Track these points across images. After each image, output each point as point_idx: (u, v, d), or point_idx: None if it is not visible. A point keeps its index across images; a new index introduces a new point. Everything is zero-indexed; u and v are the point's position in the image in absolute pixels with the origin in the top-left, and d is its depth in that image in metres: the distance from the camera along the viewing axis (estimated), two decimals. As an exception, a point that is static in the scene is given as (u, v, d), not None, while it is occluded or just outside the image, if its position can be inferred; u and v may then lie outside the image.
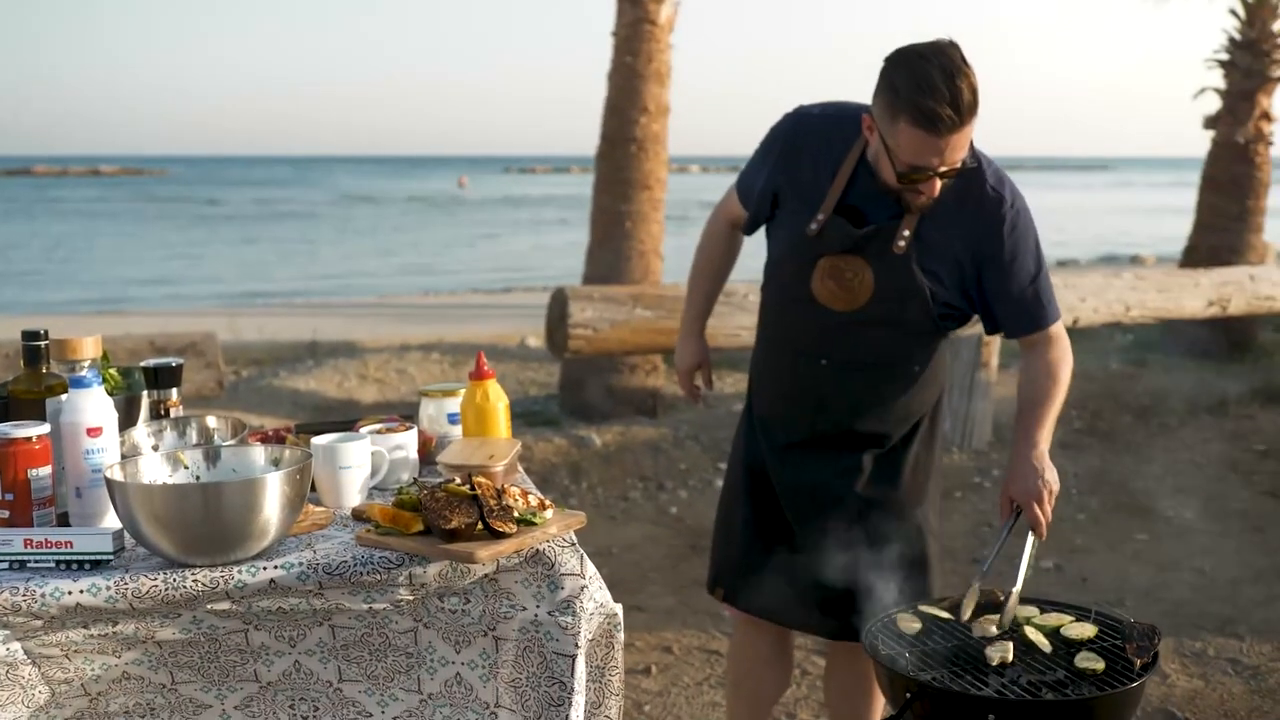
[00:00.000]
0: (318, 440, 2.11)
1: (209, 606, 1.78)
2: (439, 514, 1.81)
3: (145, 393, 2.27)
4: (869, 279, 2.47)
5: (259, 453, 1.95)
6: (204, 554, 1.76)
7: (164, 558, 1.79)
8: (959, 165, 2.34)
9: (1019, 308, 2.51)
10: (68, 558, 1.78)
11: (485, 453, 2.14)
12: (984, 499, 5.83)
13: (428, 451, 2.33)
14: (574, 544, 1.90)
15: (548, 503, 1.93)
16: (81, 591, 1.72)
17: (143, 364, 2.31)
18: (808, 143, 2.54)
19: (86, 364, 2.15)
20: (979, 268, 2.49)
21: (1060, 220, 32.75)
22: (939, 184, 2.36)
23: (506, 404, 2.33)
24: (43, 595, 1.71)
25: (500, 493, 1.88)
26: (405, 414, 2.47)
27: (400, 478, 2.21)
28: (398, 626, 1.91)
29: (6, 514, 1.86)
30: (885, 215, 2.46)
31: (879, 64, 2.34)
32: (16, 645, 1.76)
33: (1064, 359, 2.55)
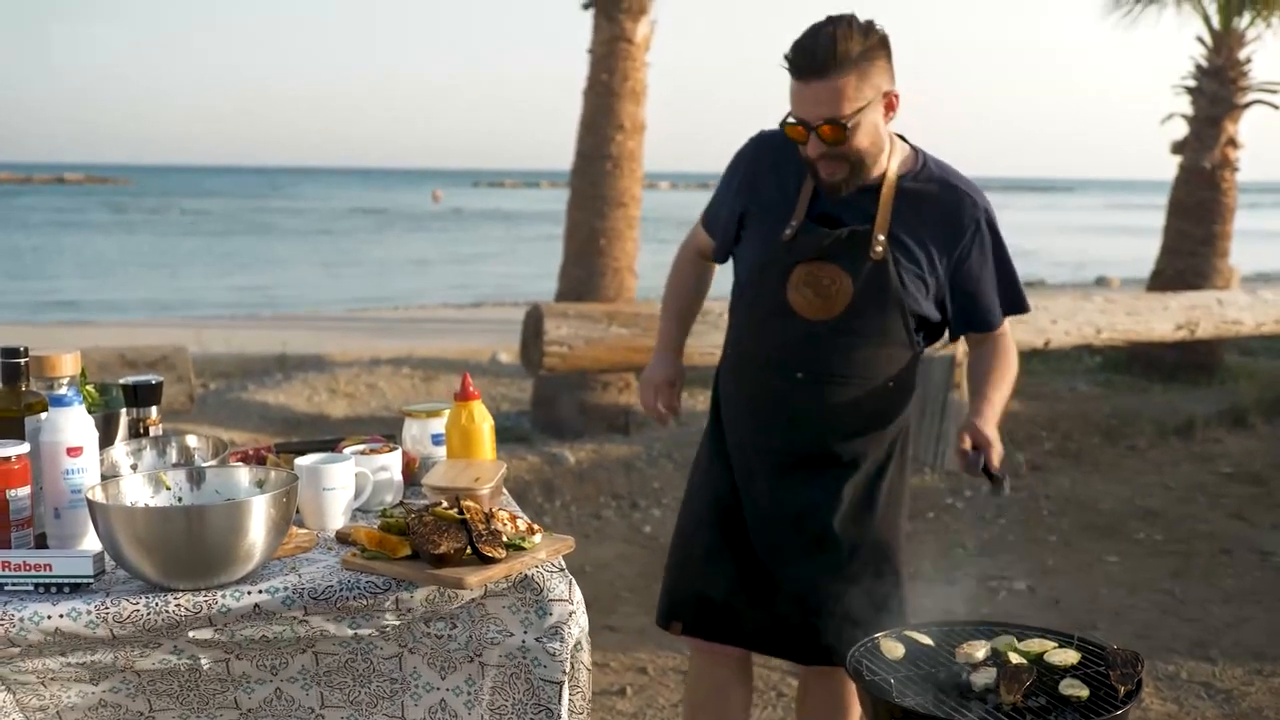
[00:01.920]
0: (301, 461, 2.08)
1: (191, 635, 1.74)
2: (427, 539, 1.79)
3: (124, 410, 2.23)
4: (847, 286, 2.48)
5: (243, 474, 1.92)
6: (187, 578, 1.73)
7: (146, 581, 1.75)
8: (834, 122, 2.36)
9: (1004, 297, 2.62)
10: (46, 580, 1.74)
11: (471, 475, 2.12)
12: (956, 520, 5.85)
13: (411, 473, 2.31)
14: (563, 569, 1.88)
15: (536, 527, 1.91)
16: (61, 616, 1.69)
17: (122, 381, 2.27)
18: (770, 159, 2.59)
19: (65, 381, 2.11)
20: (955, 268, 2.54)
21: (1026, 240, 33.09)
22: (816, 146, 2.40)
23: (492, 425, 2.31)
24: (21, 619, 1.68)
25: (489, 517, 1.86)
26: (387, 433, 2.45)
27: (384, 499, 2.18)
28: (382, 652, 1.88)
29: (-16, 535, 1.82)
30: (858, 220, 2.49)
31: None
32: None
33: (1013, 347, 2.70)
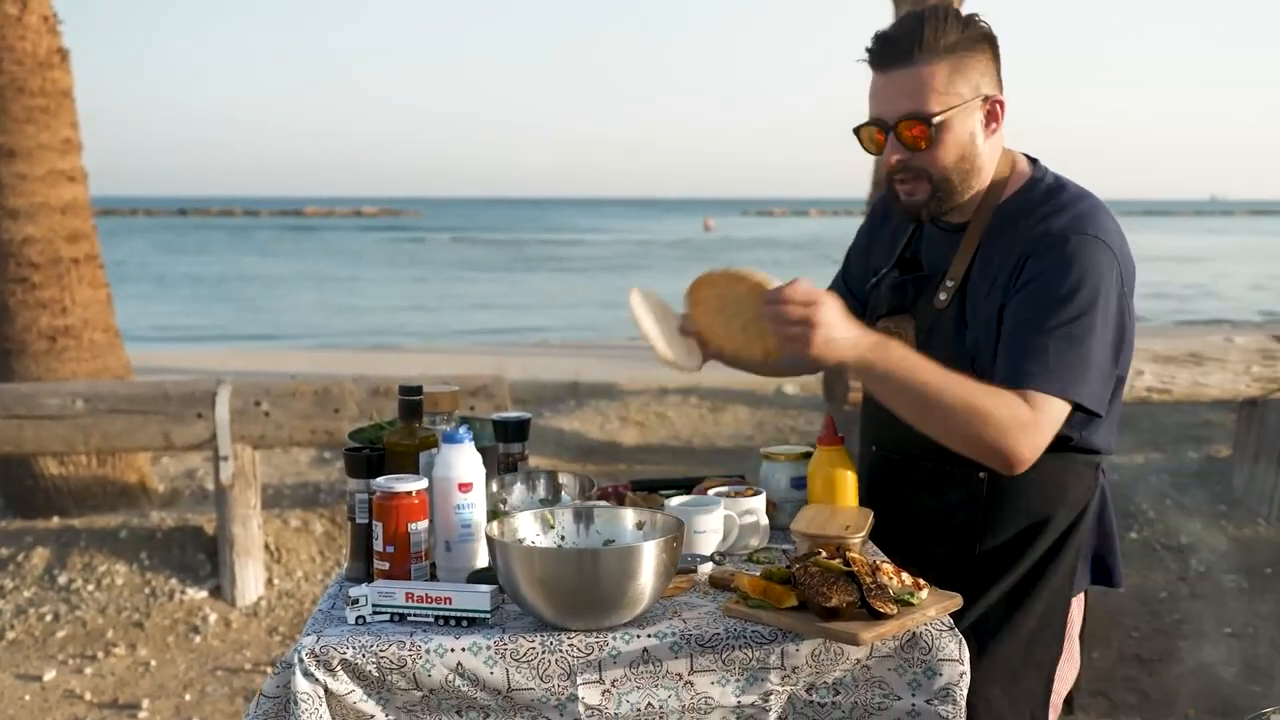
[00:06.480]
0: (672, 504, 2.09)
1: (582, 699, 1.75)
2: (817, 591, 1.73)
3: (497, 445, 2.30)
4: (910, 340, 2.08)
5: (628, 516, 1.94)
6: (579, 618, 1.75)
7: (539, 619, 1.78)
8: (916, 117, 1.97)
9: (1005, 350, 1.96)
10: (446, 613, 1.80)
11: (840, 523, 2.06)
12: (1305, 578, 5.34)
13: (769, 517, 2.28)
14: (952, 628, 1.79)
15: (922, 582, 1.83)
16: (463, 649, 1.73)
17: (493, 417, 2.35)
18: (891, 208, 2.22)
19: (444, 416, 2.20)
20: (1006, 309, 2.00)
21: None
22: (894, 149, 2.01)
23: (854, 471, 2.24)
24: (427, 650, 1.73)
25: (875, 569, 1.79)
26: (733, 474, 2.44)
27: (749, 543, 2.15)
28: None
29: (386, 565, 1.91)
30: (941, 264, 2.11)
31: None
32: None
33: (1020, 431, 1.88)
